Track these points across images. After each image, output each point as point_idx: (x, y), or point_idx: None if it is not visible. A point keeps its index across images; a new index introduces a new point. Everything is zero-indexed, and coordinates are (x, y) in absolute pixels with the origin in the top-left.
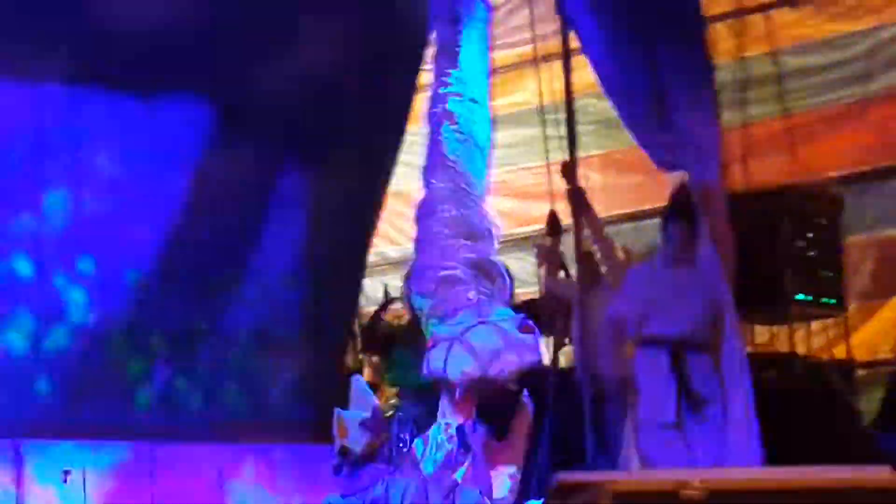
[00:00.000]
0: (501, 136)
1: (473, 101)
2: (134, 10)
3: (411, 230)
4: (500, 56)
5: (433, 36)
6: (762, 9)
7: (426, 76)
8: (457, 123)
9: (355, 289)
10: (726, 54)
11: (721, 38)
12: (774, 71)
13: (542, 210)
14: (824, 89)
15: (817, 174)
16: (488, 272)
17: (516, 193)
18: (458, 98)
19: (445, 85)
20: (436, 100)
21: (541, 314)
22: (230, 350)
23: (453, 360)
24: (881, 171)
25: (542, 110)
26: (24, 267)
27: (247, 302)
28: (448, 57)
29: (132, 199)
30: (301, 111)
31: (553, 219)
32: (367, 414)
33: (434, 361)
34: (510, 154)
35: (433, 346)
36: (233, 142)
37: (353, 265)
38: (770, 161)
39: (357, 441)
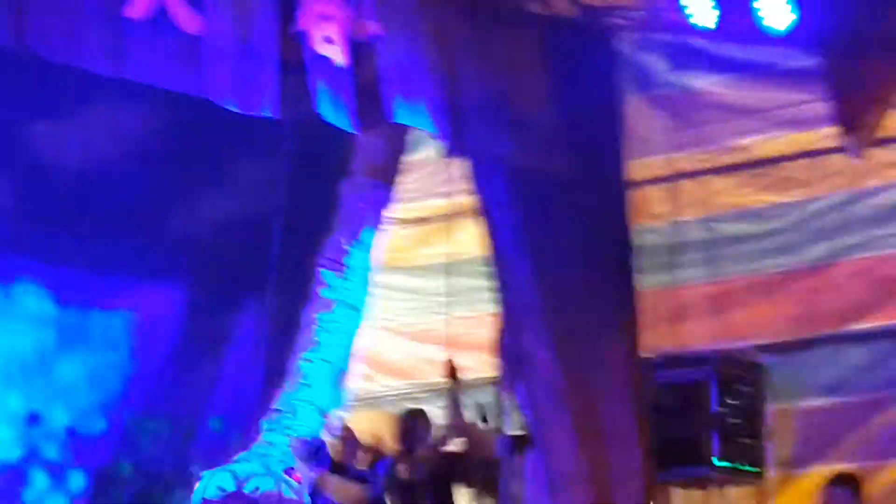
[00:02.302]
0: (434, 284)
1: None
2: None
3: None
4: (435, 205)
5: None
6: (695, 175)
7: None
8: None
9: None
10: (659, 218)
11: (654, 202)
12: (706, 236)
13: (472, 360)
14: (754, 257)
15: (743, 341)
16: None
17: (446, 342)
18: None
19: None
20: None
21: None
22: None
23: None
24: (805, 341)
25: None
26: None
27: None
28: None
29: None
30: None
31: (450, 367)
32: None
33: None
34: (436, 303)
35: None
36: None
37: None
38: (697, 325)
39: None
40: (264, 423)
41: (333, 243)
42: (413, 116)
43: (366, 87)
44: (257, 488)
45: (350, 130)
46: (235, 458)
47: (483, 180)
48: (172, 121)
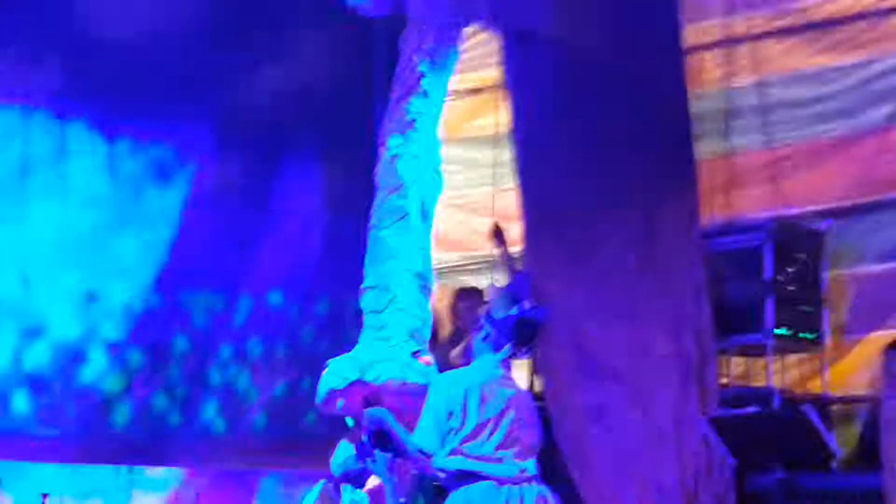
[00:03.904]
0: (484, 155)
1: (416, 157)
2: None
3: None
4: (487, 76)
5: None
6: (750, 39)
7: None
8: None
9: None
10: (711, 84)
11: (707, 68)
12: (761, 101)
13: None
14: (810, 122)
15: (800, 207)
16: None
17: (494, 214)
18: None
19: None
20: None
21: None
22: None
23: (336, 367)
24: (863, 206)
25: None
26: (9, 281)
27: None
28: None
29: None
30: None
31: (496, 231)
32: None
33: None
34: (487, 175)
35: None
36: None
37: None
38: (752, 192)
39: None
40: (363, 303)
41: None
42: None
43: None
44: (379, 375)
45: (377, 14)
46: (358, 343)
47: (516, 58)
48: None
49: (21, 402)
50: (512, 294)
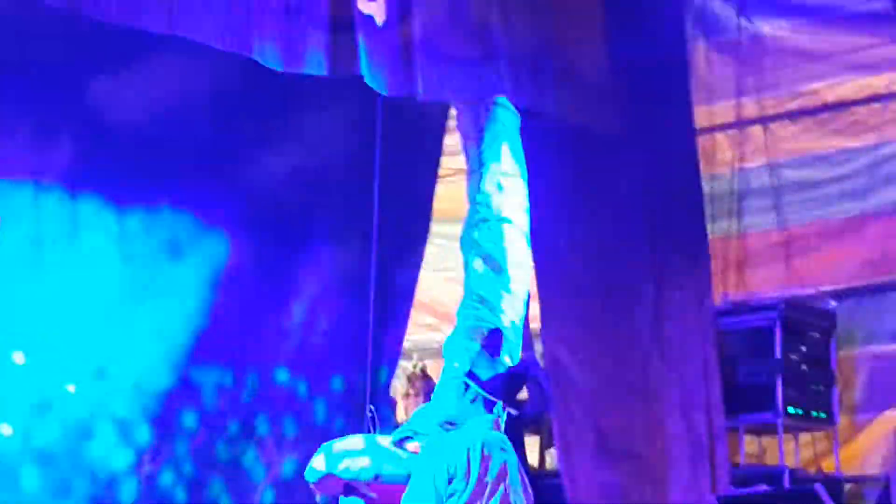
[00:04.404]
0: None
1: (501, 220)
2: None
3: None
4: None
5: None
6: (762, 121)
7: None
8: (483, 254)
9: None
10: (724, 165)
11: (720, 149)
12: (772, 182)
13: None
14: (821, 203)
15: (811, 287)
16: None
17: None
18: (485, 223)
19: (474, 210)
20: (467, 225)
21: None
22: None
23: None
24: (875, 286)
25: None
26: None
27: None
28: (474, 178)
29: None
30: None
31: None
32: None
33: None
34: None
35: None
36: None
37: None
38: (766, 272)
39: None
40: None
41: None
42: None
43: (404, 48)
44: (347, 468)
45: (392, 93)
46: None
47: (528, 137)
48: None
49: (31, 478)
50: (489, 350)
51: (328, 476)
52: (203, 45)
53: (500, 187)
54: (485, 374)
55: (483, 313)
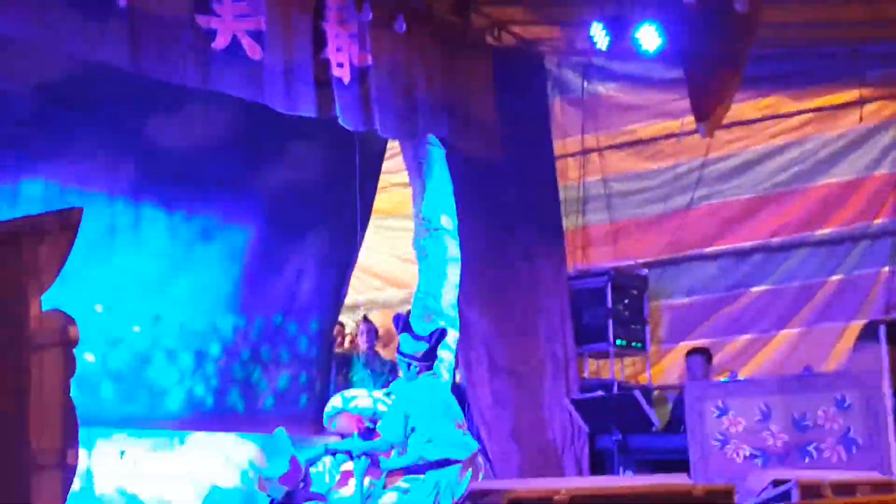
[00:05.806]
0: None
1: (440, 230)
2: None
3: None
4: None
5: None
6: (598, 150)
7: None
8: (428, 257)
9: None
10: (573, 179)
11: (570, 169)
12: (604, 192)
13: None
14: (637, 205)
15: (632, 260)
16: None
17: None
18: (429, 234)
19: (420, 224)
20: (416, 235)
21: None
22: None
23: (332, 400)
24: (673, 259)
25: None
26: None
27: None
28: (418, 200)
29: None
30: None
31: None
32: (284, 470)
33: None
34: None
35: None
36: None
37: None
38: (601, 251)
39: (277, 491)
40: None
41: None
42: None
43: (364, 100)
44: (356, 407)
45: (355, 130)
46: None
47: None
48: (255, 119)
49: (107, 391)
50: (409, 332)
51: (342, 412)
52: (227, 95)
53: (437, 206)
54: (409, 348)
55: (429, 302)
